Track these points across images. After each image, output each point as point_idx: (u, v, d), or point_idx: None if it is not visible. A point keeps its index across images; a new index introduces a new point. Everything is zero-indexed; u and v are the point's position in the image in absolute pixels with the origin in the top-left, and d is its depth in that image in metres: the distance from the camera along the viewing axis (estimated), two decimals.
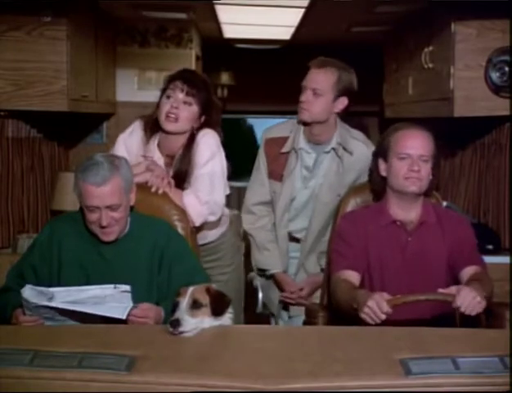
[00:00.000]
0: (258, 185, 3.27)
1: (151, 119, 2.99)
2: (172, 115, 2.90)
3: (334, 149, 3.17)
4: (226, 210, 3.17)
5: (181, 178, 2.92)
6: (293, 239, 3.29)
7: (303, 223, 3.25)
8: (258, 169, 3.27)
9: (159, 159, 2.97)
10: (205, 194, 2.86)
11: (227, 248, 3.23)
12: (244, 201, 3.33)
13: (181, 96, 2.91)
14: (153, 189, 2.79)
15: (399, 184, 2.64)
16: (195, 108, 2.92)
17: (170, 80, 2.97)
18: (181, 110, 2.90)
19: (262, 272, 3.32)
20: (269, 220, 3.28)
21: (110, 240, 2.48)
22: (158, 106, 2.96)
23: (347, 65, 3.17)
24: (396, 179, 2.64)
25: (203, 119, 2.96)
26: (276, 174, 3.22)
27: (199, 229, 3.02)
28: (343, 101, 3.13)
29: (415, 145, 2.63)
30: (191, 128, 2.94)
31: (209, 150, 2.92)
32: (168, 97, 2.92)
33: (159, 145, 2.99)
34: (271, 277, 3.31)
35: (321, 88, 3.10)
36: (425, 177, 2.62)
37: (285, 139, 3.20)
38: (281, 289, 3.28)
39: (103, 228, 2.44)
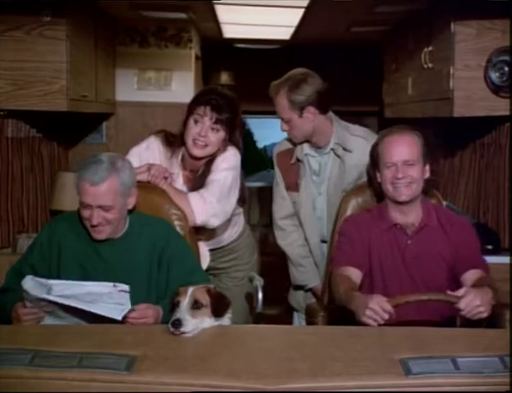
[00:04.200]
0: (280, 199, 3.33)
1: (178, 135, 2.99)
2: (200, 143, 2.91)
3: (332, 149, 3.19)
4: (240, 209, 3.20)
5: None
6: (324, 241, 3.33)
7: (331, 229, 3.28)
8: (277, 184, 3.33)
9: (179, 174, 2.98)
10: (211, 196, 2.86)
11: (245, 247, 3.29)
12: (272, 217, 3.39)
13: (208, 123, 2.91)
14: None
15: (390, 193, 2.66)
16: (222, 133, 2.94)
17: (198, 104, 2.94)
18: (209, 136, 2.91)
19: (300, 287, 3.38)
20: (298, 235, 3.33)
21: (99, 238, 2.48)
22: (184, 124, 2.95)
23: (298, 75, 3.14)
24: (386, 188, 2.67)
25: (227, 138, 2.97)
26: (292, 185, 3.27)
27: (211, 236, 3.05)
28: (310, 111, 3.12)
29: (398, 152, 2.64)
30: (217, 149, 2.96)
31: (227, 163, 2.94)
32: (196, 122, 2.92)
33: (182, 160, 3.00)
34: (310, 290, 3.36)
35: (283, 115, 3.17)
36: (416, 180, 2.62)
37: (292, 151, 3.26)
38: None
39: (93, 226, 2.44)
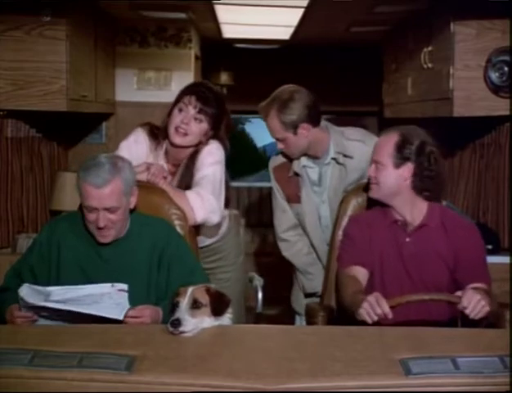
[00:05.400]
0: (280, 212, 3.32)
1: (162, 127, 3.00)
2: (182, 130, 2.92)
3: (334, 159, 3.19)
4: (225, 211, 3.17)
5: (185, 188, 2.92)
6: None
7: None
8: (276, 198, 3.32)
9: (163, 166, 2.96)
10: (206, 192, 2.86)
11: (230, 248, 3.26)
12: (275, 231, 3.37)
13: (192, 112, 2.92)
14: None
15: None
16: (204, 125, 2.94)
17: (184, 93, 2.97)
18: (191, 125, 2.92)
19: (311, 294, 3.36)
20: (303, 244, 3.32)
21: (106, 242, 2.48)
22: (169, 115, 2.97)
23: (285, 94, 3.11)
24: None
25: (211, 133, 2.97)
26: (293, 197, 3.26)
27: (199, 233, 3.03)
28: (303, 127, 3.11)
29: (374, 151, 2.68)
30: (199, 142, 2.96)
31: (212, 157, 2.94)
32: (180, 111, 2.94)
33: (166, 153, 3.01)
34: (320, 296, 3.33)
35: (278, 136, 3.15)
36: (383, 182, 2.62)
37: (289, 164, 3.25)
38: None
39: (100, 229, 2.44)
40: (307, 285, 3.34)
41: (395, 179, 2.62)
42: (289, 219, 3.30)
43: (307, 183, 3.23)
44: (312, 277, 3.31)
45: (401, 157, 2.61)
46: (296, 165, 3.22)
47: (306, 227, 3.27)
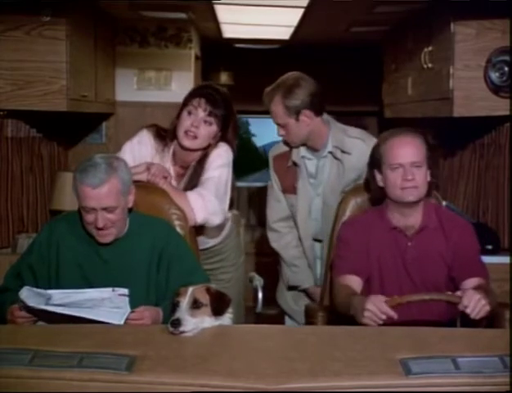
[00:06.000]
0: (275, 202, 3.32)
1: (170, 129, 3.00)
2: (191, 133, 2.91)
3: (331, 153, 3.19)
4: (228, 214, 3.18)
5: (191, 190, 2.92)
6: (317, 240, 3.33)
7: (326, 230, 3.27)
8: (272, 187, 3.33)
9: (169, 168, 2.97)
10: (209, 193, 2.86)
11: (231, 249, 3.27)
12: (266, 220, 3.38)
13: (202, 115, 2.92)
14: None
15: (397, 195, 2.61)
16: (214, 127, 2.94)
17: (193, 96, 2.97)
18: (201, 129, 2.92)
19: (293, 288, 3.36)
20: (293, 237, 3.32)
21: (106, 242, 2.48)
22: (178, 117, 2.97)
23: (291, 80, 3.14)
24: (393, 190, 2.61)
25: (219, 136, 2.97)
26: (290, 188, 3.26)
27: (201, 234, 3.03)
28: (306, 114, 3.12)
29: (405, 153, 2.59)
30: (208, 144, 2.96)
31: (221, 159, 2.94)
32: (189, 114, 2.93)
33: (173, 155, 3.00)
34: (303, 290, 3.35)
35: (280, 121, 3.17)
36: (422, 183, 2.59)
37: (288, 154, 3.26)
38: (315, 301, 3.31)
39: (99, 229, 2.44)
40: (291, 278, 3.33)
41: (427, 181, 2.63)
42: (282, 210, 3.31)
43: (304, 174, 3.23)
44: (296, 270, 3.31)
45: (428, 158, 2.63)
46: (295, 155, 3.22)
47: (297, 219, 3.27)
